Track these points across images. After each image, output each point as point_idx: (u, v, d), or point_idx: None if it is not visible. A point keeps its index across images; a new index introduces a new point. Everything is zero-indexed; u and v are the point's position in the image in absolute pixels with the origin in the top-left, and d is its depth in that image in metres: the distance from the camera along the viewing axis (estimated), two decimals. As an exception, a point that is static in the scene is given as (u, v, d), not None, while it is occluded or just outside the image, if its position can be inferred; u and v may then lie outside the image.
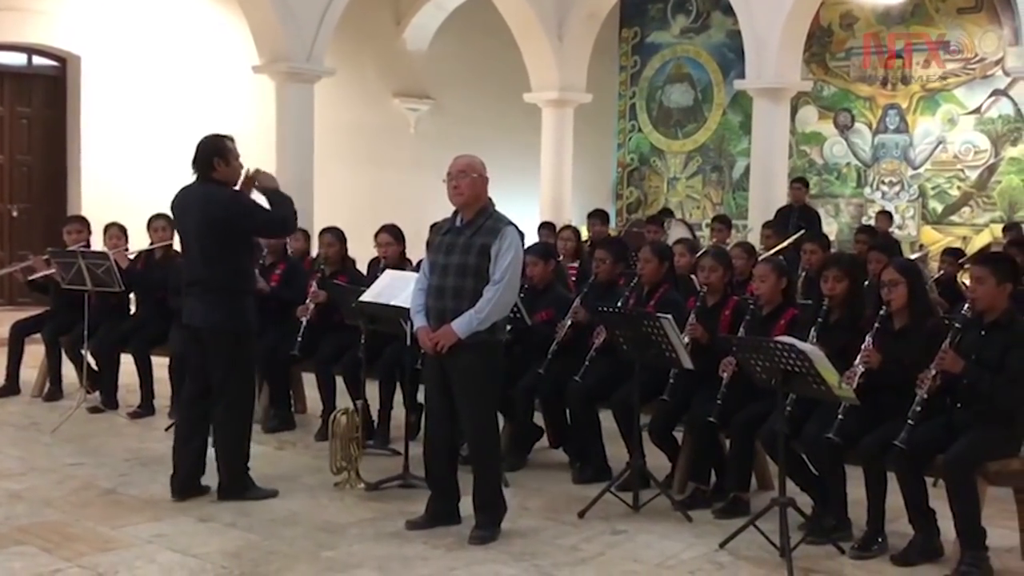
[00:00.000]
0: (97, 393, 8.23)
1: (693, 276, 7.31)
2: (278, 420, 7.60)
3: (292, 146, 12.29)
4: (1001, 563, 4.96)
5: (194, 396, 5.93)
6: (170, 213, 6.08)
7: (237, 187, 5.88)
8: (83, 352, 8.10)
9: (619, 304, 6.33)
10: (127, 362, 8.16)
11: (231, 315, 5.77)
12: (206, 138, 5.89)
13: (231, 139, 5.90)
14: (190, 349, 5.99)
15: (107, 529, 5.35)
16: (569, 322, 6.56)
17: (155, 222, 8.24)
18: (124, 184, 12.63)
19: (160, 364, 8.01)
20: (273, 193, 5.99)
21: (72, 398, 8.16)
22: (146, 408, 7.97)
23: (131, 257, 8.31)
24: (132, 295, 8.37)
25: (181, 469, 5.86)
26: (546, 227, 11.23)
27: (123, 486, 6.13)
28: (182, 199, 5.88)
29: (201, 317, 5.79)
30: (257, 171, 5.99)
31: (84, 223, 8.67)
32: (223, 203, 5.73)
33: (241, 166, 5.89)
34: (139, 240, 8.52)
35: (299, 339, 7.41)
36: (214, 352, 5.80)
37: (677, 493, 5.95)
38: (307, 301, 7.48)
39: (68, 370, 8.52)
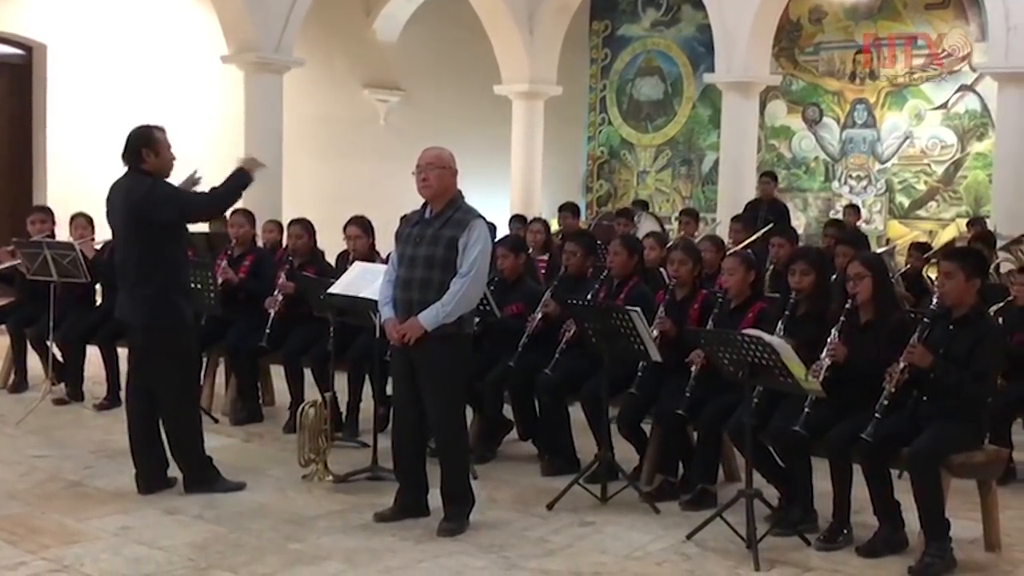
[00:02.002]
0: (63, 385, 8.15)
1: (662, 269, 7.33)
2: (246, 412, 7.56)
3: (260, 137, 12.21)
4: (964, 554, 5.01)
5: (139, 390, 5.86)
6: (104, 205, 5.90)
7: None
8: (48, 343, 8.02)
9: (589, 297, 6.35)
10: (93, 353, 8.09)
11: (161, 310, 5.66)
12: (136, 128, 5.80)
13: (161, 130, 5.81)
14: (128, 343, 5.91)
15: (72, 521, 5.31)
16: (540, 315, 6.57)
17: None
18: (91, 174, 12.45)
19: (126, 355, 7.94)
20: (240, 175, 5.90)
21: (37, 390, 8.10)
22: (112, 400, 7.88)
23: (97, 247, 8.24)
24: (98, 286, 8.30)
25: (143, 465, 5.82)
26: (517, 220, 11.23)
27: (89, 478, 6.09)
28: (112, 191, 5.78)
29: (131, 313, 5.72)
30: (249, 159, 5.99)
31: (48, 213, 8.59)
32: (144, 194, 5.62)
33: (173, 157, 5.79)
34: (106, 231, 8.44)
35: (267, 331, 7.37)
36: (145, 348, 5.74)
37: (645, 485, 5.97)
38: (275, 293, 7.45)
39: (33, 361, 8.45)
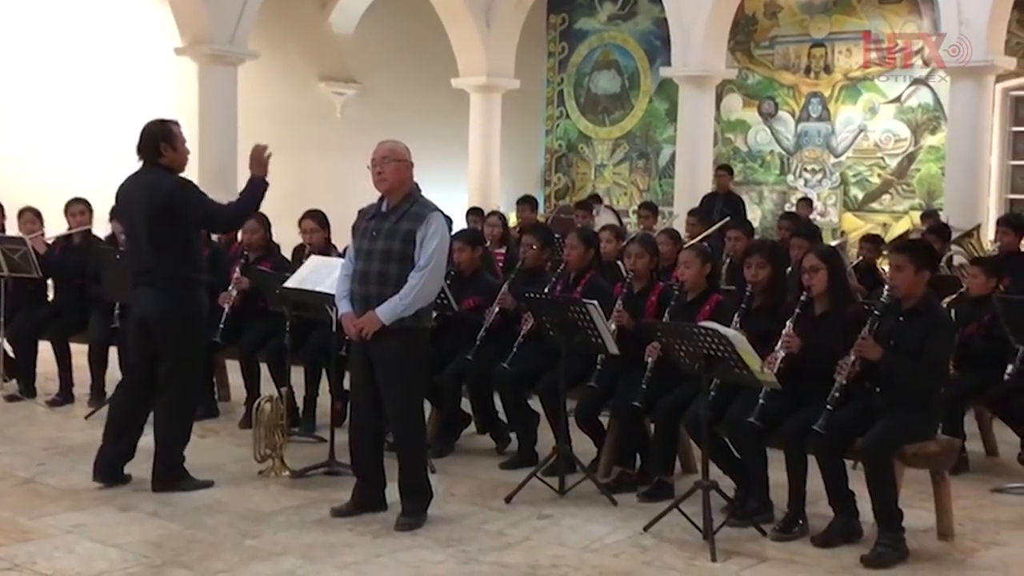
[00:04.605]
0: (14, 381, 8.06)
1: (620, 262, 7.35)
2: (201, 408, 7.44)
3: (215, 130, 12.12)
4: (918, 543, 5.07)
5: (134, 386, 5.81)
6: (114, 200, 5.91)
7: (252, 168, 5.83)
8: (-1, 339, 7.94)
9: (546, 290, 6.35)
10: (45, 349, 7.99)
11: (181, 303, 5.65)
12: (151, 123, 5.75)
13: (176, 124, 5.77)
14: (134, 341, 5.84)
15: (25, 519, 5.24)
16: (497, 308, 6.56)
17: (73, 206, 8.07)
18: (40, 168, 12.33)
19: (79, 351, 7.86)
20: (255, 186, 5.86)
21: (-12, 386, 8.00)
22: (65, 396, 7.81)
23: (49, 242, 8.13)
24: (50, 281, 8.19)
25: (109, 454, 5.74)
26: (474, 213, 11.21)
27: (41, 475, 6.01)
28: (128, 186, 5.75)
29: (151, 306, 5.66)
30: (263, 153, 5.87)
31: (-3, 208, 8.48)
32: (168, 190, 5.60)
33: (188, 151, 5.80)
34: (55, 225, 8.34)
35: (222, 326, 7.31)
36: (164, 341, 5.69)
37: (602, 477, 5.99)
38: (230, 288, 7.38)
39: (-16, 358, 8.34)
